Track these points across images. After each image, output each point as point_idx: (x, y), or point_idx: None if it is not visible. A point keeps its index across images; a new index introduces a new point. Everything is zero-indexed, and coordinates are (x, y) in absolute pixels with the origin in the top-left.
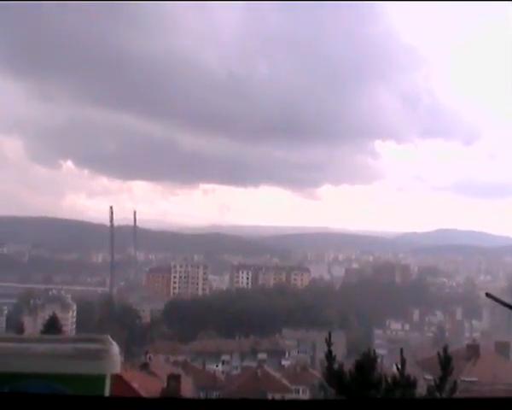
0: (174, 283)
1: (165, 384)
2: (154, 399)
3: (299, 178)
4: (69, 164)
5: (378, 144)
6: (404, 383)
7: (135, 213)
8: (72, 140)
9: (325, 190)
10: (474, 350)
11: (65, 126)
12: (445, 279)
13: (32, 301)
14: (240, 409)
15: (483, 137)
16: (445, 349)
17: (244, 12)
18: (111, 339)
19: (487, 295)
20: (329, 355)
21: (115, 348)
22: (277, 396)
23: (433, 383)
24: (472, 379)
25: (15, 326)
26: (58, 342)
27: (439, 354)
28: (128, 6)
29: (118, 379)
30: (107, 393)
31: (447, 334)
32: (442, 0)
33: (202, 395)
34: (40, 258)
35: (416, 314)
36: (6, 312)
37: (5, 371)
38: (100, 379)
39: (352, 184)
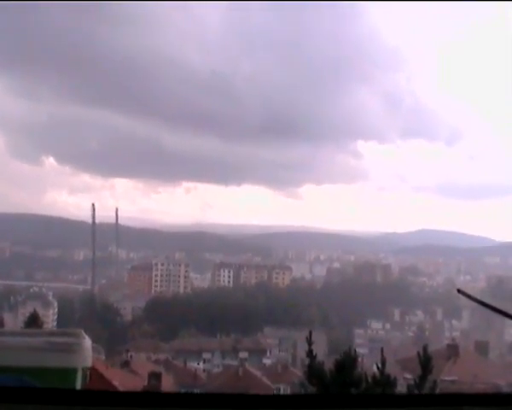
0: (155, 281)
1: (146, 382)
2: (124, 392)
3: (280, 178)
4: (51, 160)
5: (360, 144)
6: (385, 382)
7: (117, 210)
8: (54, 137)
9: (307, 189)
10: (453, 350)
11: (47, 123)
12: (425, 279)
13: (12, 298)
14: (217, 403)
15: (464, 138)
16: (425, 349)
17: (227, 11)
18: (84, 333)
19: (459, 291)
20: (310, 354)
21: (87, 341)
22: None
23: (412, 382)
24: (452, 378)
25: None
26: (31, 336)
27: (418, 353)
28: (111, 4)
29: (98, 377)
30: (78, 386)
31: (427, 333)
32: (425, 0)
33: None
34: (21, 254)
35: (396, 314)
36: None
37: None
38: (71, 372)
39: (334, 183)
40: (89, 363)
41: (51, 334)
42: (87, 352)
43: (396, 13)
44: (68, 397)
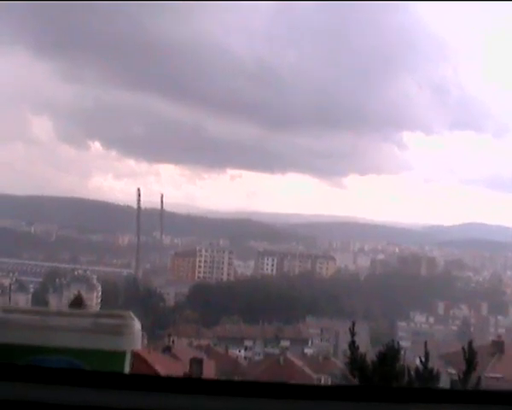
0: (199, 267)
1: (187, 368)
2: (172, 377)
3: (325, 167)
4: (97, 145)
5: (406, 135)
6: (427, 376)
7: (162, 196)
8: (100, 121)
9: (352, 179)
10: (498, 346)
11: (93, 107)
12: (471, 274)
13: (57, 280)
14: (258, 392)
15: None
16: (470, 344)
17: (273, 1)
18: (133, 315)
19: None
20: (353, 345)
21: (137, 324)
22: None
23: (456, 377)
24: (496, 375)
25: (41, 304)
26: (79, 317)
27: (463, 348)
28: None
29: (140, 361)
30: (126, 370)
31: (472, 329)
32: None
33: None
34: (67, 238)
35: (440, 307)
36: (32, 290)
37: (25, 343)
38: (120, 355)
39: (379, 173)
40: (138, 346)
41: (99, 315)
42: (137, 335)
43: (442, 1)
44: (117, 381)
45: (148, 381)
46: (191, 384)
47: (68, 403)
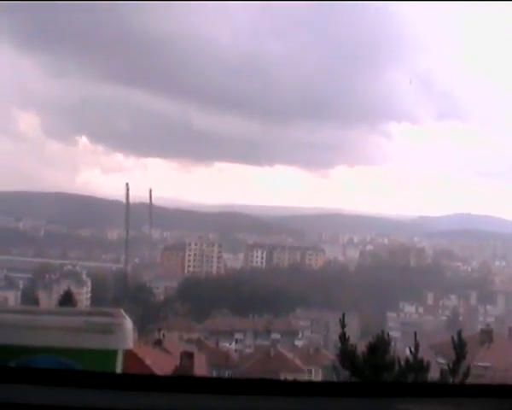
0: (189, 261)
1: (178, 362)
2: (164, 377)
3: (313, 158)
4: (84, 140)
5: (393, 126)
6: (418, 366)
7: (150, 190)
8: (86, 116)
9: (339, 170)
10: (487, 335)
11: (79, 102)
12: (460, 264)
13: (47, 276)
14: (253, 389)
15: (498, 119)
16: (459, 334)
17: None
18: (124, 313)
19: None
20: (343, 337)
21: (128, 322)
22: (290, 376)
23: (446, 367)
24: (485, 364)
25: (30, 300)
26: (70, 315)
27: (453, 338)
28: None
29: (131, 355)
30: (118, 369)
31: (461, 318)
32: None
33: (215, 373)
34: (55, 233)
35: (430, 298)
36: (21, 286)
37: (14, 343)
38: (112, 354)
39: (367, 165)
40: (130, 345)
41: (90, 313)
42: (128, 333)
43: None
44: (110, 381)
45: (140, 380)
46: (183, 383)
47: (60, 404)
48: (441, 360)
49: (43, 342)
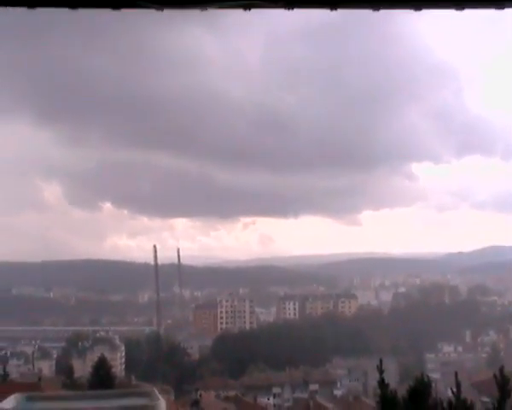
0: (221, 318)
1: None
2: None
3: (338, 205)
4: (108, 205)
5: (415, 166)
6: (461, 407)
7: (178, 250)
8: (108, 182)
9: (366, 215)
10: None
11: (100, 169)
12: (495, 298)
13: (80, 344)
14: None
15: None
16: (501, 370)
17: (266, 45)
18: (157, 392)
19: None
20: (382, 383)
21: (162, 403)
22: None
23: (490, 405)
24: None
25: (65, 370)
26: (102, 399)
27: (495, 375)
28: (152, 46)
29: None
30: None
31: (502, 354)
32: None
33: None
34: (86, 300)
35: (468, 335)
36: (55, 355)
37: None
38: None
39: (392, 207)
40: None
41: (122, 395)
42: None
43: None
44: None
45: None
46: None
47: None
48: (485, 399)
49: None
